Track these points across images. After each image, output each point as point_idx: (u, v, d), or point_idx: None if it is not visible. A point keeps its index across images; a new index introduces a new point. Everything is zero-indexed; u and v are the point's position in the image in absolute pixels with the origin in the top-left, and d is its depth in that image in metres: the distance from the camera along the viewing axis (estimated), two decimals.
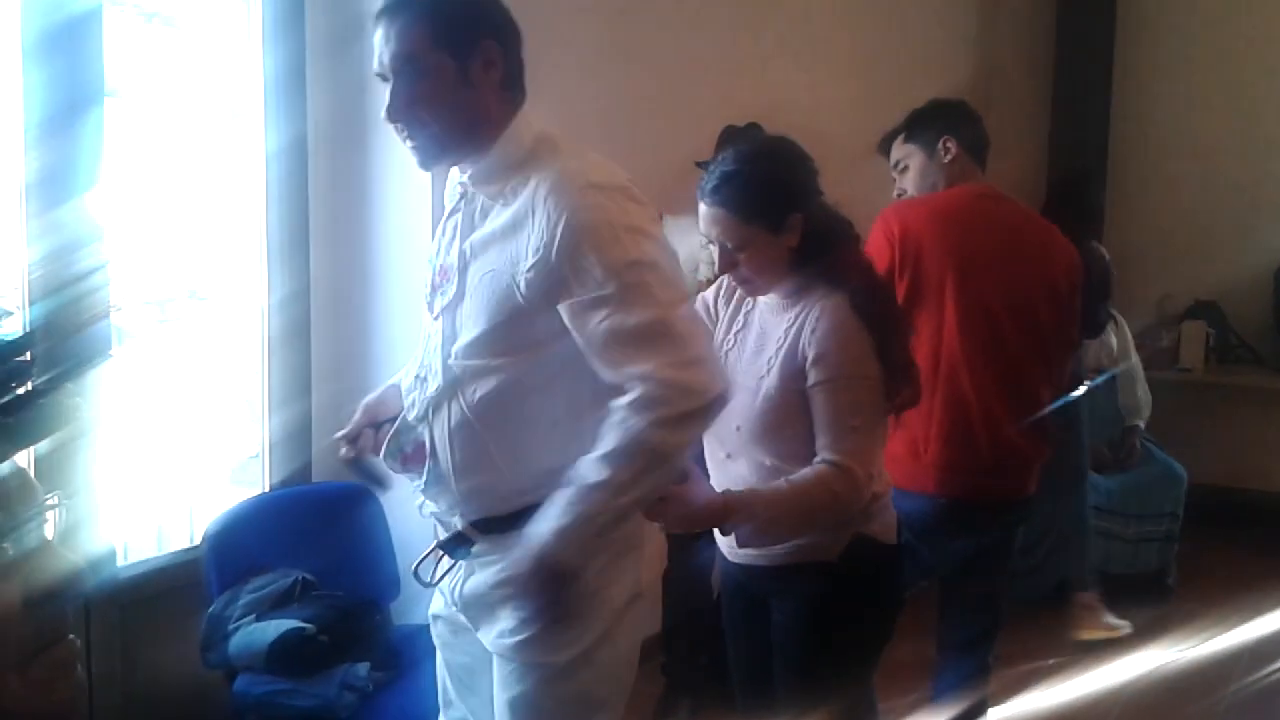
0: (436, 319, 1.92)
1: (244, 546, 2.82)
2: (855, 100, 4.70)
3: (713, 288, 2.42)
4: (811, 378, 2.15)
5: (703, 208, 2.23)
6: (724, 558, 2.43)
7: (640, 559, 2.01)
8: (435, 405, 1.91)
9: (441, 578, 2.00)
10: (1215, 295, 6.01)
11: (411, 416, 1.96)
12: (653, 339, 1.75)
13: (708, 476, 2.35)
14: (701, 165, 3.43)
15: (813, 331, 2.16)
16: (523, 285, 1.79)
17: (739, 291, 2.35)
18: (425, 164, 1.91)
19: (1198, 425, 5.59)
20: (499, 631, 1.96)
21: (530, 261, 1.78)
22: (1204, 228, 6.04)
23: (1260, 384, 5.82)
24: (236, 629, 2.63)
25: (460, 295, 1.88)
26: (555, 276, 1.77)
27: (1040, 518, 4.47)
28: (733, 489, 2.17)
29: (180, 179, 3.09)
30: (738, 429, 2.24)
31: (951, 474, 2.88)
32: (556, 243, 1.76)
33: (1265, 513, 5.52)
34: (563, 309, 1.79)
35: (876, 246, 2.89)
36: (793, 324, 2.20)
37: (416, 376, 1.97)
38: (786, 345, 2.19)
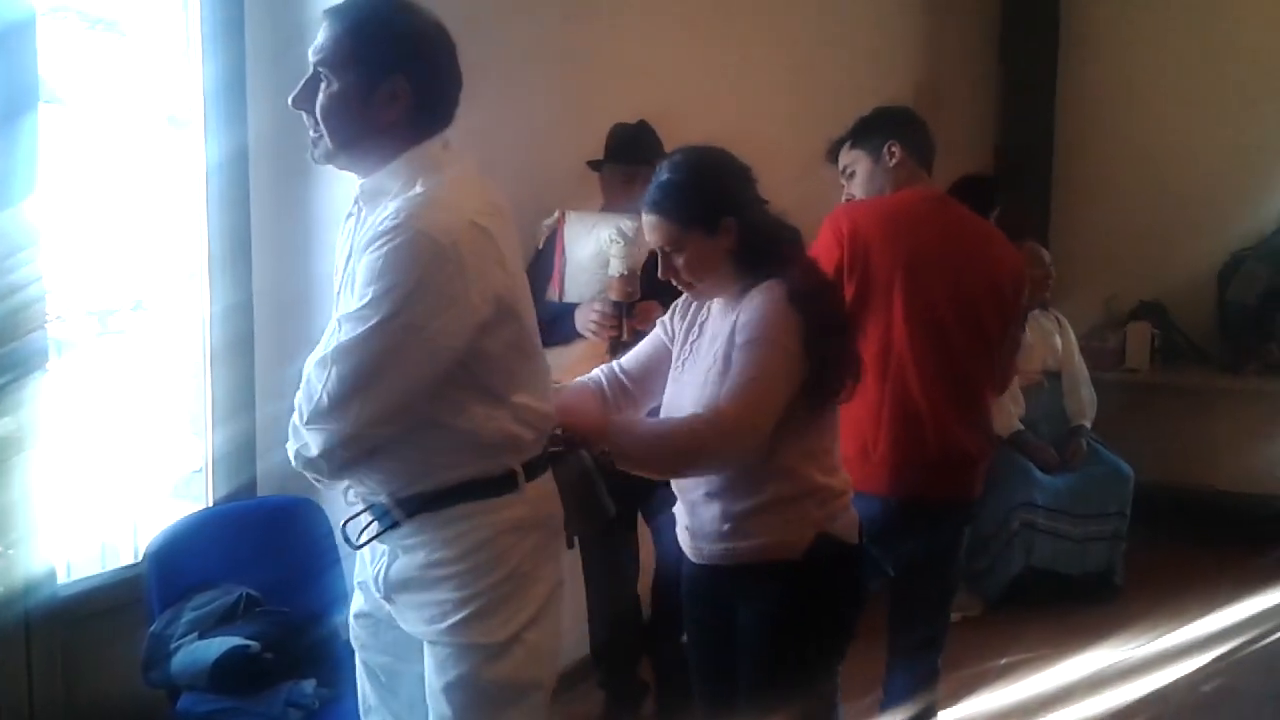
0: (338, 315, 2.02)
1: (187, 563, 2.78)
2: (794, 105, 4.70)
3: (671, 308, 2.50)
4: (735, 341, 2.23)
5: (644, 217, 2.32)
6: (689, 562, 2.46)
7: (562, 548, 2.12)
8: None
9: (365, 542, 2.05)
10: (1160, 296, 6.09)
11: None
12: (314, 366, 1.90)
13: None
14: (592, 165, 3.44)
15: (744, 309, 2.25)
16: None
17: (693, 307, 2.43)
18: (315, 159, 2.01)
19: (1144, 425, 5.65)
20: (430, 616, 2.01)
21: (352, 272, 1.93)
22: (1149, 229, 6.12)
23: (1205, 383, 5.90)
24: (179, 647, 2.58)
25: (340, 292, 2.01)
26: (352, 284, 1.91)
27: (984, 520, 4.54)
28: (709, 490, 2.30)
29: (122, 187, 3.04)
30: None
31: (900, 474, 2.90)
32: (361, 262, 1.89)
33: (1211, 510, 5.59)
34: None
35: (826, 246, 2.91)
36: (736, 316, 2.27)
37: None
38: (729, 333, 2.26)
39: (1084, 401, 5.01)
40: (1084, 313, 5.70)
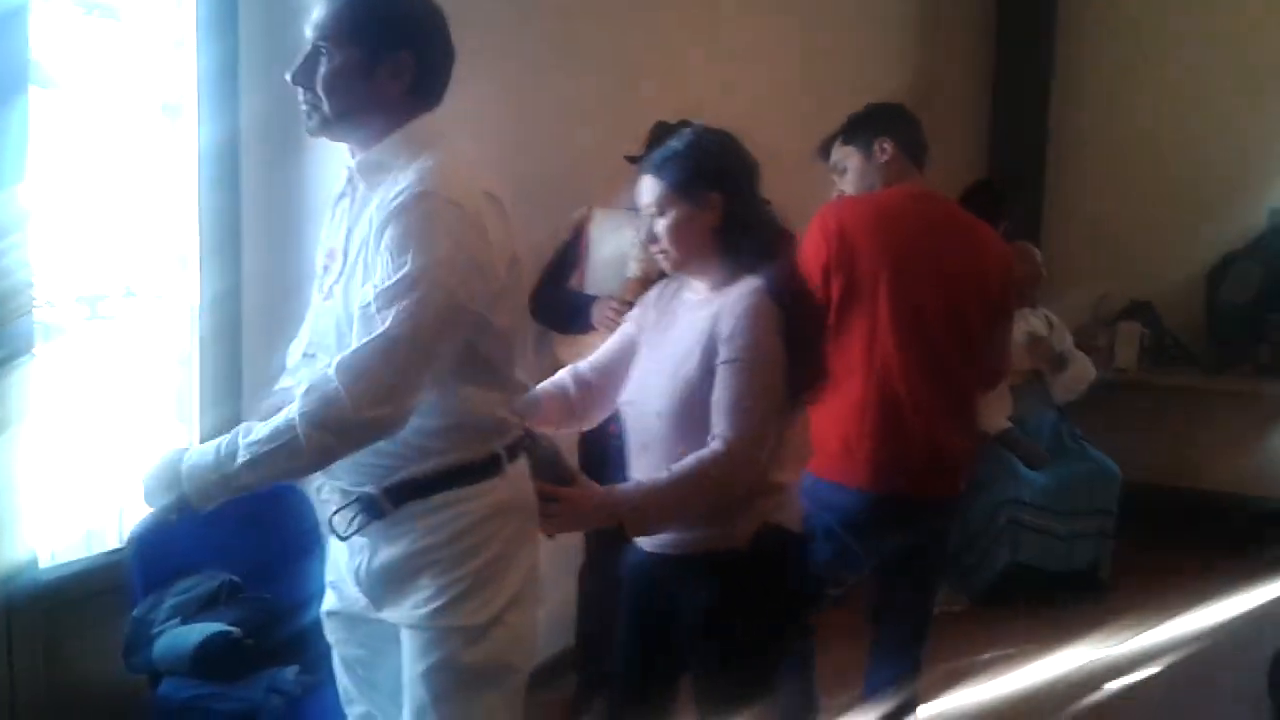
0: (326, 299, 2.00)
1: (170, 548, 2.76)
2: (795, 103, 4.71)
3: (643, 301, 2.51)
4: (719, 355, 2.23)
5: (641, 178, 2.37)
6: (637, 548, 2.46)
7: (535, 531, 2.13)
8: None
9: (353, 533, 2.03)
10: (1150, 296, 6.11)
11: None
12: (359, 343, 1.85)
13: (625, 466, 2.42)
14: (631, 159, 3.47)
15: (728, 314, 2.24)
16: (368, 268, 1.91)
17: (666, 297, 2.45)
18: (310, 130, 2.01)
19: (1132, 424, 5.68)
20: (414, 602, 2.01)
21: (369, 248, 1.90)
22: (1140, 229, 6.14)
23: (1193, 384, 5.92)
24: (161, 632, 2.58)
25: (344, 275, 1.98)
26: (372, 263, 1.90)
27: (970, 517, 4.55)
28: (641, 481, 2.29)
29: (113, 173, 3.04)
30: (657, 415, 2.31)
31: (883, 470, 2.90)
32: (374, 233, 1.89)
33: (1197, 510, 5.61)
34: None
35: (813, 243, 2.92)
36: (715, 311, 2.28)
37: (305, 354, 2.06)
38: (707, 331, 2.26)
39: (1084, 367, 5.04)
40: (1074, 311, 5.70)
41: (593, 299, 3.30)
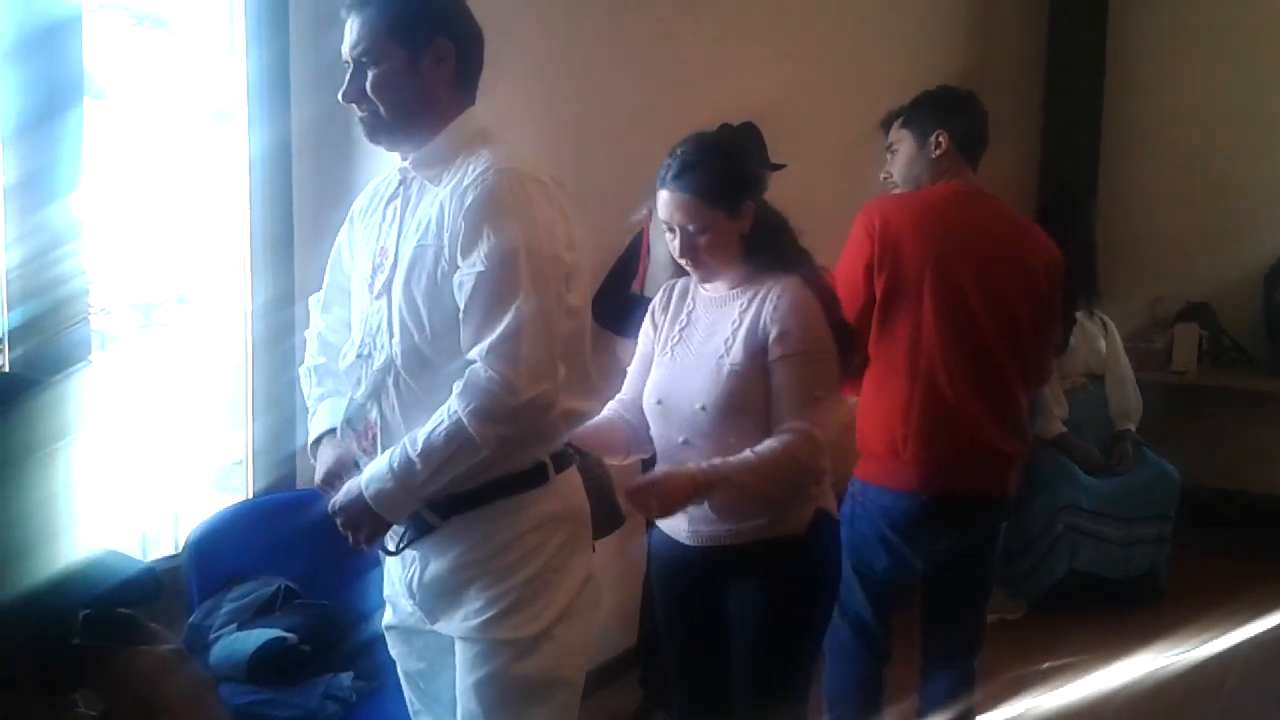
0: (379, 298, 2.01)
1: (226, 554, 2.79)
2: (848, 98, 4.67)
3: (649, 311, 2.54)
4: (774, 352, 2.27)
5: (664, 194, 2.35)
6: (675, 543, 2.45)
7: (589, 542, 2.12)
8: (382, 380, 1.99)
9: (402, 549, 2.04)
10: (1207, 297, 5.99)
11: (359, 395, 2.02)
12: (498, 329, 1.86)
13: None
14: None
15: (774, 309, 2.29)
16: (445, 254, 1.91)
17: (674, 299, 2.49)
18: (371, 138, 2.03)
19: (1190, 427, 5.59)
20: (463, 615, 2.01)
21: (448, 232, 1.90)
22: (1196, 230, 6.04)
23: (1252, 385, 5.81)
24: (218, 638, 2.59)
25: (399, 271, 1.98)
26: (454, 245, 1.90)
27: (1027, 523, 4.49)
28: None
29: (167, 181, 3.07)
30: (702, 409, 2.31)
31: (931, 471, 2.86)
32: (463, 214, 1.89)
33: (1257, 514, 5.51)
34: (455, 276, 1.90)
35: (857, 240, 2.89)
36: (748, 307, 2.33)
37: (359, 355, 2.04)
38: (747, 325, 2.30)
39: (1130, 404, 4.93)
40: (1131, 314, 5.62)
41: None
